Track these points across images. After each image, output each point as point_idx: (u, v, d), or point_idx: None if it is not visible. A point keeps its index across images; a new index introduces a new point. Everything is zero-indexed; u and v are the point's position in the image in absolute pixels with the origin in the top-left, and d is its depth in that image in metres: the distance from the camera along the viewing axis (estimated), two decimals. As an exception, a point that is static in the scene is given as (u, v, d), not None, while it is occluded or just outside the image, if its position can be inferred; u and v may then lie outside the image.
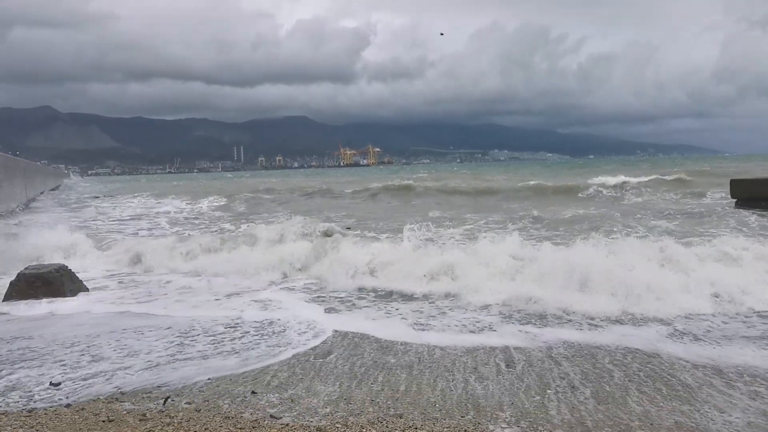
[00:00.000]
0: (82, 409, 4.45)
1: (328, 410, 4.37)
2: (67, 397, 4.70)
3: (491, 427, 3.98)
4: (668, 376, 4.87)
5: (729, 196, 18.05)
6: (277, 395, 4.71)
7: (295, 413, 4.33)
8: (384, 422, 4.12)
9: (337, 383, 4.95)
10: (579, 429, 3.94)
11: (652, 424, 3.97)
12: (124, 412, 4.39)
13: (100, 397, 4.71)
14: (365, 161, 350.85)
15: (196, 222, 21.17)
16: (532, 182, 32.59)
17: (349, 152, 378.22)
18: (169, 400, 4.62)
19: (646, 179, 29.37)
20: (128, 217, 24.06)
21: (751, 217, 14.77)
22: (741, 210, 16.24)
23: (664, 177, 30.89)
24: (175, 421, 4.20)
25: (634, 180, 28.98)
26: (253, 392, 4.77)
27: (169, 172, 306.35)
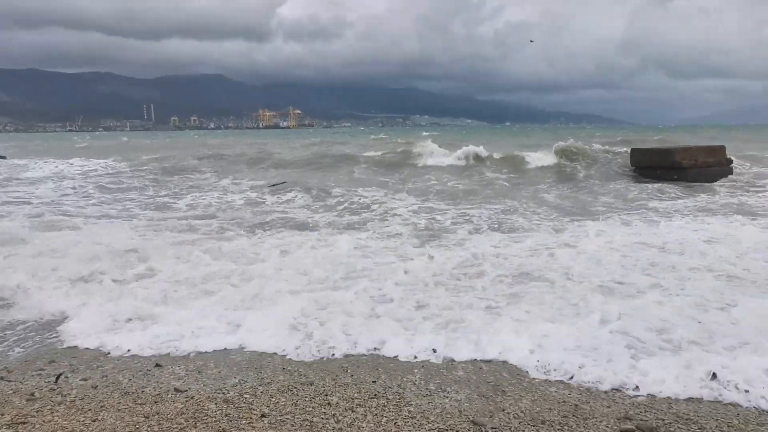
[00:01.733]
0: (-40, 391, 4.05)
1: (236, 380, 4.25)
2: None
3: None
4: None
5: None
6: (183, 366, 4.52)
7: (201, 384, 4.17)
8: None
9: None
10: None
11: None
12: (10, 392, 4.04)
13: (-18, 377, 4.30)
14: (285, 123, 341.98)
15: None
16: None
17: (268, 114, 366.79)
18: (62, 377, 4.30)
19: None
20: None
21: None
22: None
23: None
24: (68, 399, 3.92)
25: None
26: (157, 365, 4.55)
27: (71, 131, 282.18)
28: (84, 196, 15.58)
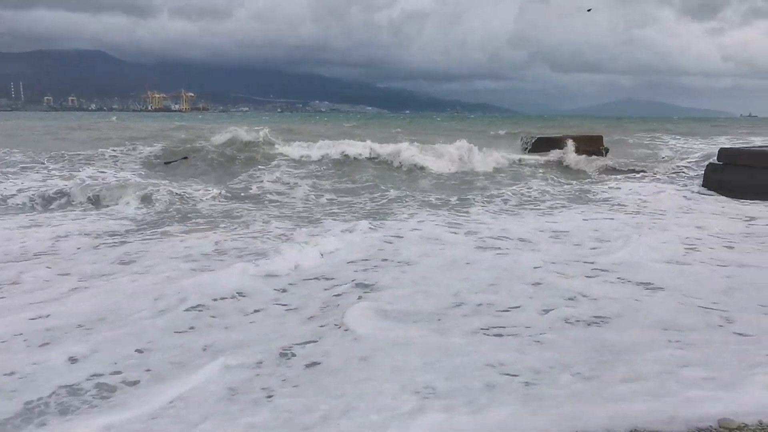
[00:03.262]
0: None
1: None
2: None
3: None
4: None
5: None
6: None
7: None
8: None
9: None
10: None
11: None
12: None
13: None
14: (177, 106, 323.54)
15: None
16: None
17: (158, 96, 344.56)
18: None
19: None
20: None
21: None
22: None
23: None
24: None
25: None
26: None
27: None
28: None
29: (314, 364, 3.74)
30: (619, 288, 5.42)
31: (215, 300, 5.00)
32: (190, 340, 4.18)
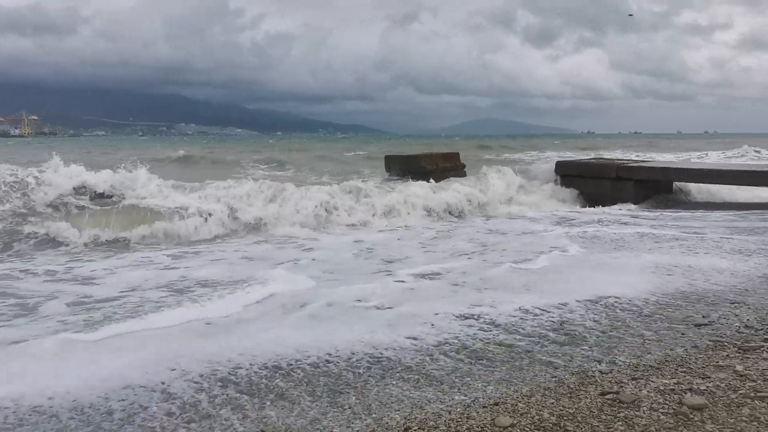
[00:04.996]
0: None
1: None
2: None
3: None
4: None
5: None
6: None
7: None
8: None
9: None
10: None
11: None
12: None
13: None
14: (18, 131, 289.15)
15: None
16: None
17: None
18: None
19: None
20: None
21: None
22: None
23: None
24: None
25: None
26: None
27: None
28: None
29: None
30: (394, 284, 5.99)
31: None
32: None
